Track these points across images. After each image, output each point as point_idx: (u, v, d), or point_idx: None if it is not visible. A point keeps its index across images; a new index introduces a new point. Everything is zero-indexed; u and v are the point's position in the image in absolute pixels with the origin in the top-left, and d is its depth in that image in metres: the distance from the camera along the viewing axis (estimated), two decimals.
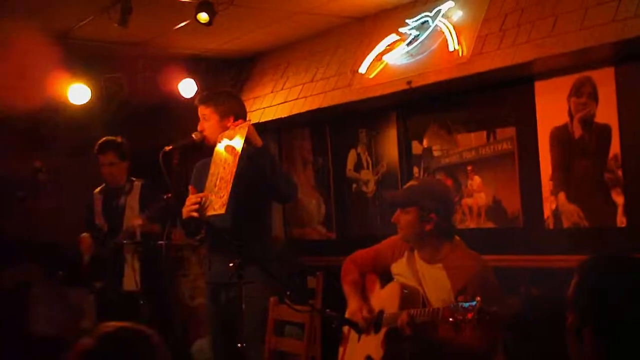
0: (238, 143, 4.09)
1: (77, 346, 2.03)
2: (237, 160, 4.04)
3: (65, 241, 5.86)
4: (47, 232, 7.43)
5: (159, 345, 2.03)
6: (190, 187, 4.36)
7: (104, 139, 5.82)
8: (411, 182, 4.08)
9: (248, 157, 4.13)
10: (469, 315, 3.44)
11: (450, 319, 3.52)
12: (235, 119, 4.46)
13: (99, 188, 5.95)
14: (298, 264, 6.10)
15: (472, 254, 4.04)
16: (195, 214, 4.18)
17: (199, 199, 4.20)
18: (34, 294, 6.96)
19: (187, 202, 4.26)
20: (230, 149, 4.16)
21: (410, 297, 3.97)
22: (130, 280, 5.39)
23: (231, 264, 3.70)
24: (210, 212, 4.16)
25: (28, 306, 6.95)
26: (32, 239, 7.47)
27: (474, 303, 3.45)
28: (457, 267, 3.94)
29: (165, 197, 4.27)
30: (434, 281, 3.98)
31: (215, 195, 4.14)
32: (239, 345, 3.70)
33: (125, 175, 5.84)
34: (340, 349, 4.37)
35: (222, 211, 4.00)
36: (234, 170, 4.02)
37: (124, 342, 2.01)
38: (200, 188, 4.30)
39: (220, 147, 4.31)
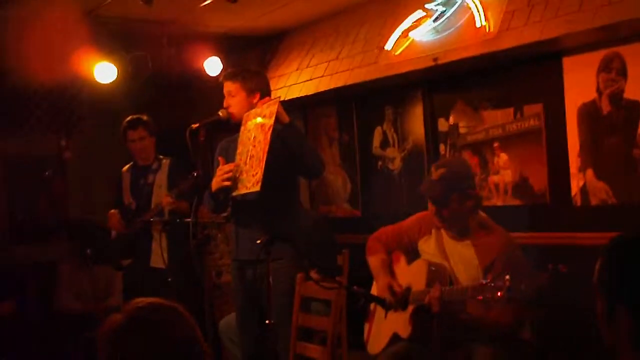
0: (268, 120, 4.10)
1: (108, 322, 2.04)
2: (268, 137, 4.05)
3: (93, 219, 5.90)
4: (75, 210, 7.50)
5: (189, 318, 2.05)
6: (220, 159, 4.37)
7: (132, 116, 5.84)
8: (440, 172, 4.04)
9: (276, 134, 4.14)
10: (498, 294, 3.44)
11: (480, 297, 3.52)
12: (262, 96, 4.47)
13: (127, 166, 5.97)
14: (328, 239, 6.10)
15: (499, 230, 4.04)
16: (228, 183, 4.21)
17: (231, 168, 4.23)
18: (62, 271, 7.03)
19: (219, 172, 4.28)
20: (260, 126, 4.16)
21: (437, 274, 3.97)
22: (158, 257, 5.43)
23: (258, 241, 3.71)
24: (242, 190, 4.17)
25: (57, 283, 7.01)
26: (60, 217, 7.54)
27: (502, 282, 3.45)
28: (485, 244, 3.94)
29: (194, 174, 4.29)
30: (462, 258, 3.99)
31: (247, 174, 4.15)
32: (267, 322, 3.71)
33: (154, 152, 5.86)
34: (366, 326, 4.39)
35: (257, 188, 4.02)
36: (267, 147, 4.03)
37: (154, 316, 2.02)
38: None
39: (248, 126, 4.31)
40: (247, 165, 4.18)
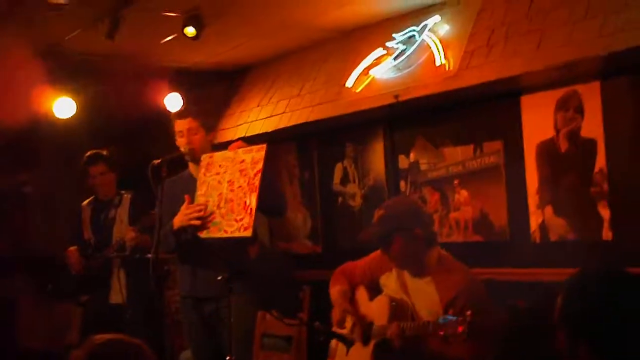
0: (253, 166, 4.08)
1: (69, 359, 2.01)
2: (257, 183, 4.02)
3: (53, 254, 5.83)
4: (35, 245, 7.40)
5: (150, 354, 2.03)
6: (186, 197, 4.34)
7: (92, 151, 5.81)
8: (379, 214, 4.03)
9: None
10: (459, 329, 3.44)
11: (440, 332, 3.52)
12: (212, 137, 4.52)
13: (87, 200, 5.93)
14: (288, 276, 6.10)
15: (459, 265, 4.04)
16: (197, 222, 4.17)
17: (201, 207, 4.20)
18: (21, 308, 6.92)
19: (186, 211, 4.24)
20: (239, 171, 4.13)
21: (399, 310, 3.96)
22: (117, 293, 5.38)
23: (219, 277, 3.69)
24: (218, 234, 4.11)
25: (16, 320, 6.90)
26: (20, 253, 7.43)
27: (462, 317, 3.46)
28: (445, 280, 3.94)
29: (155, 210, 4.25)
30: (423, 294, 3.98)
31: (223, 217, 4.11)
32: (227, 358, 3.68)
33: (115, 187, 5.83)
34: None
35: (249, 234, 3.98)
36: (257, 193, 4.00)
37: (115, 353, 2.00)
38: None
39: (213, 169, 4.27)
40: (223, 209, 4.13)
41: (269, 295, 3.51)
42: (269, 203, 4.34)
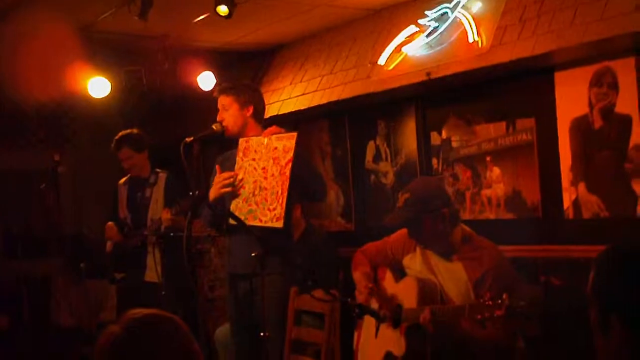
0: (284, 154, 4.08)
1: (105, 334, 2.04)
2: (288, 173, 4.02)
3: (87, 233, 5.90)
4: (70, 224, 7.50)
5: (186, 330, 2.05)
6: (217, 167, 4.37)
7: (119, 135, 5.84)
8: (404, 198, 4.01)
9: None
10: (497, 313, 3.43)
11: (478, 317, 3.51)
12: (255, 110, 4.49)
13: (123, 179, 5.99)
14: (330, 254, 6.13)
15: (486, 243, 4.01)
16: (227, 189, 4.20)
17: (231, 174, 4.22)
18: (56, 286, 7.02)
19: (217, 180, 4.28)
20: (273, 159, 4.12)
21: (428, 292, 3.95)
22: (152, 271, 5.43)
23: (253, 254, 3.71)
24: (255, 223, 4.13)
25: (51, 298, 7.01)
26: (54, 232, 7.53)
27: (501, 300, 3.44)
28: (472, 259, 3.93)
29: (195, 192, 4.26)
30: (450, 274, 3.96)
31: (258, 205, 4.13)
32: (261, 334, 3.71)
33: (148, 165, 5.87)
34: (356, 334, 4.39)
35: (280, 225, 4.00)
36: (287, 183, 4.01)
37: (151, 327, 2.02)
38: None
39: (250, 154, 4.28)
40: (258, 197, 4.15)
41: (313, 277, 3.50)
42: (311, 189, 4.37)
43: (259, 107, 4.57)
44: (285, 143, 4.09)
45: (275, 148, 4.12)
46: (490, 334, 3.77)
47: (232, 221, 3.97)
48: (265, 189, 4.10)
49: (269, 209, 4.06)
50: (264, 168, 4.15)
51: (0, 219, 7.51)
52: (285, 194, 4.00)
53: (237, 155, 4.35)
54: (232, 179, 4.24)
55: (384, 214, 6.29)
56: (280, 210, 4.00)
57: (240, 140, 4.38)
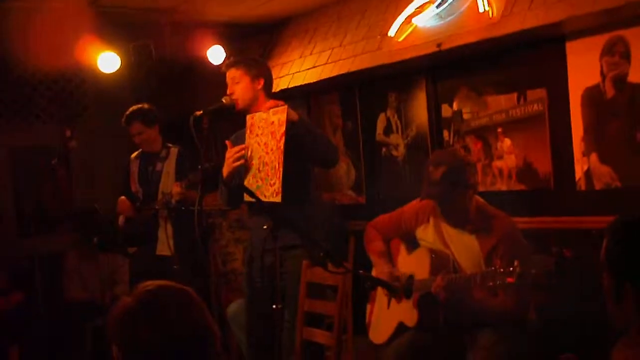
0: (279, 128, 4.06)
1: (118, 305, 2.05)
2: (282, 146, 3.98)
3: (98, 208, 5.92)
4: (81, 199, 7.52)
5: (199, 301, 2.06)
6: (227, 143, 4.36)
7: (129, 110, 5.82)
8: (441, 170, 3.99)
9: (288, 134, 4.04)
10: (508, 280, 3.44)
11: (490, 284, 3.52)
12: (265, 82, 4.48)
13: (135, 153, 5.98)
14: (340, 227, 6.14)
15: (498, 214, 4.03)
16: (239, 162, 4.20)
17: (241, 148, 4.22)
18: (69, 261, 7.06)
19: (228, 155, 4.27)
20: (270, 133, 4.11)
21: (440, 262, 3.97)
22: (164, 245, 5.44)
23: (265, 226, 3.70)
24: (262, 199, 4.13)
25: (64, 273, 7.04)
26: (65, 207, 7.55)
27: (512, 268, 3.45)
28: (485, 229, 3.95)
29: (205, 165, 4.25)
30: (463, 245, 3.98)
31: (263, 181, 4.12)
32: (274, 306, 3.72)
33: (159, 139, 5.87)
34: (368, 307, 4.41)
35: (278, 199, 3.96)
36: (282, 157, 3.97)
37: (164, 298, 2.03)
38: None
39: (255, 129, 4.27)
40: (262, 173, 4.13)
41: (325, 249, 3.50)
42: (321, 156, 4.35)
43: (269, 81, 4.55)
44: (279, 116, 4.04)
45: (272, 122, 4.08)
46: (502, 303, 3.79)
47: (247, 197, 3.96)
48: (267, 164, 4.08)
49: (270, 184, 4.05)
50: (265, 143, 4.12)
51: (12, 196, 7.53)
52: (281, 168, 3.96)
53: (246, 133, 4.34)
54: (242, 152, 4.22)
55: (396, 187, 6.32)
56: (278, 185, 3.97)
57: (247, 117, 4.36)
